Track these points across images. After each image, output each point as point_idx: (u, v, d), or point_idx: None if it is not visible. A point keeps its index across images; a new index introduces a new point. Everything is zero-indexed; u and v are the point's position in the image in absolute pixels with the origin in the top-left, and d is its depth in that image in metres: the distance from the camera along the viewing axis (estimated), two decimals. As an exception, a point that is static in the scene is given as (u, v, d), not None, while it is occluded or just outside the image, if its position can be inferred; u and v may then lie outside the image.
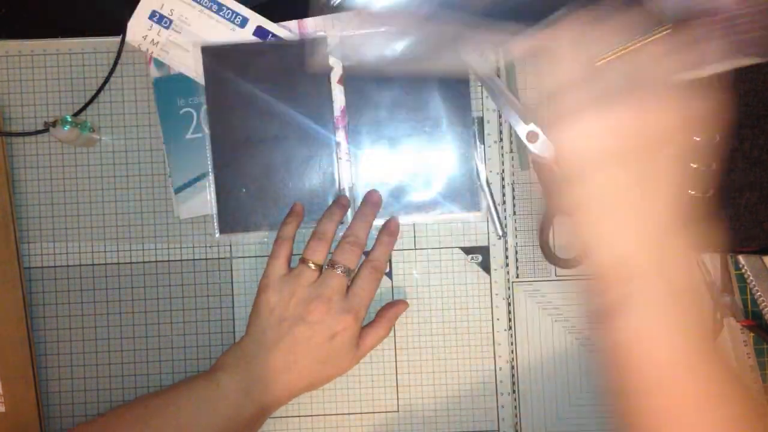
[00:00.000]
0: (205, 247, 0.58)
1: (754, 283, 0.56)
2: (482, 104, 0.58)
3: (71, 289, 0.57)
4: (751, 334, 0.57)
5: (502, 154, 0.58)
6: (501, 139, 0.58)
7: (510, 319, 0.58)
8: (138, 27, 0.57)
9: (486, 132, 0.58)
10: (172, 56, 0.56)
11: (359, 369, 0.58)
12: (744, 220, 0.50)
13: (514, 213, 0.58)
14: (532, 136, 0.56)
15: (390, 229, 0.57)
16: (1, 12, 0.59)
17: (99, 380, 0.57)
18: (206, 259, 0.58)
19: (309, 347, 0.52)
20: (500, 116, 0.58)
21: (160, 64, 0.57)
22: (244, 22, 0.56)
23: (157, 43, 0.56)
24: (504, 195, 0.58)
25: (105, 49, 0.58)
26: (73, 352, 0.57)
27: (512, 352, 0.58)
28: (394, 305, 0.57)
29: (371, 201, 0.56)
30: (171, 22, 0.56)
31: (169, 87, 0.57)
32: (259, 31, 0.56)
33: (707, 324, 0.38)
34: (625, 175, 0.37)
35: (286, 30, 0.57)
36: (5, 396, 0.55)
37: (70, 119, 0.53)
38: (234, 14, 0.56)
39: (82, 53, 0.58)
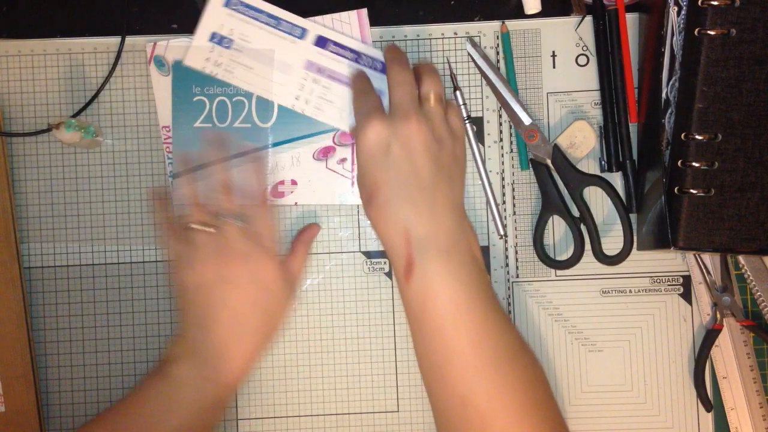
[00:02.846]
0: (205, 247, 0.58)
1: (754, 283, 0.56)
2: (482, 104, 0.58)
3: (71, 289, 0.57)
4: (751, 334, 0.57)
5: (502, 154, 0.58)
6: (501, 139, 0.58)
7: (510, 319, 0.58)
8: (199, 51, 0.56)
9: (486, 132, 0.58)
10: (236, 75, 0.56)
11: (359, 369, 0.58)
12: (744, 220, 0.50)
13: (514, 213, 0.58)
14: (531, 135, 0.56)
15: (255, 162, 0.56)
16: (2, 11, 0.59)
17: (99, 380, 0.57)
18: (206, 259, 0.58)
19: (243, 303, 0.51)
20: (500, 116, 0.58)
21: (161, 64, 0.57)
22: (303, 34, 0.56)
23: (221, 63, 0.56)
24: (504, 195, 0.58)
25: (105, 49, 0.58)
26: (73, 352, 0.57)
27: (512, 352, 0.58)
28: (306, 229, 0.57)
29: (210, 140, 0.56)
30: (232, 41, 0.56)
31: (188, 73, 0.57)
32: (320, 41, 0.56)
33: (482, 278, 0.50)
34: (407, 168, 0.49)
35: (347, 37, 0.56)
36: (5, 396, 0.56)
37: (74, 122, 0.53)
38: (292, 26, 0.56)
39: (82, 53, 0.58)
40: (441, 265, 0.48)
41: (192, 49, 0.56)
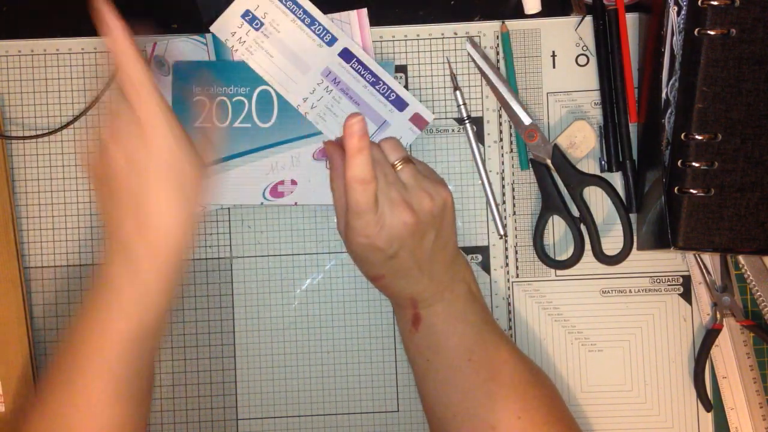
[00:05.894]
0: (205, 247, 0.58)
1: (754, 283, 0.56)
2: (482, 104, 0.58)
3: (71, 289, 0.57)
4: (751, 334, 0.57)
5: (502, 154, 0.58)
6: (501, 139, 0.58)
7: (510, 319, 0.58)
8: (229, 23, 0.57)
9: (486, 132, 0.58)
10: (255, 58, 0.56)
11: (359, 369, 0.58)
12: (744, 220, 0.50)
13: (514, 213, 0.58)
14: (531, 135, 0.56)
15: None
16: (2, 11, 0.59)
17: (99, 380, 0.57)
18: (206, 259, 0.58)
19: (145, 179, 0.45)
20: (500, 116, 0.58)
21: (161, 64, 0.57)
22: (332, 41, 0.56)
23: (244, 42, 0.57)
24: (504, 195, 0.58)
25: (105, 49, 0.58)
26: (73, 352, 0.57)
27: (512, 352, 0.58)
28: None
29: None
30: (262, 24, 0.56)
31: (189, 73, 0.57)
32: (345, 54, 0.56)
33: (484, 309, 0.53)
34: (420, 245, 0.49)
35: (373, 61, 0.56)
36: (5, 396, 0.56)
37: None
38: (324, 31, 0.56)
39: (82, 53, 0.58)
40: (446, 312, 0.50)
41: (222, 18, 0.57)
